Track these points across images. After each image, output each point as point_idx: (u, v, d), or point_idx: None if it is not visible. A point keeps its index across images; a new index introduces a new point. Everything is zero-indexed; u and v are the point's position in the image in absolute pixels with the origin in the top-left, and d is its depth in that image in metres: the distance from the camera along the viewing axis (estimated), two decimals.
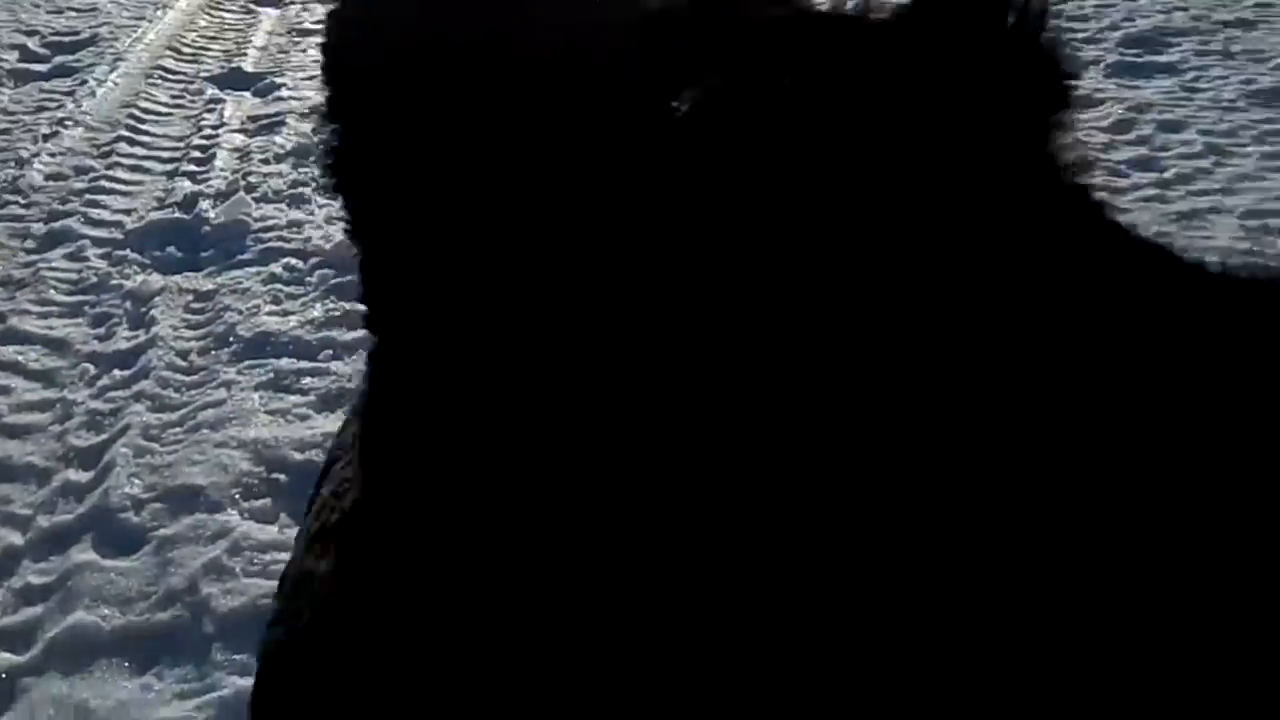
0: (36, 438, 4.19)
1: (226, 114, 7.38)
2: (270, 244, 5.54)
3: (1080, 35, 8.10)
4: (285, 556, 2.12)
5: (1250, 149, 6.21)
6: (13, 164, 6.69)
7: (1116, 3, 8.75)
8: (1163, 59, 7.63)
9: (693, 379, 0.70)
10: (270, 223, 5.76)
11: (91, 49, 8.56)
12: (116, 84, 8.07)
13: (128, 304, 5.07)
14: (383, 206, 0.88)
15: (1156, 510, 0.58)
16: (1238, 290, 0.70)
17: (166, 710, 2.96)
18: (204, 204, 6.00)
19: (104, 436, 4.14)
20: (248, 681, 2.97)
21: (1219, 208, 5.55)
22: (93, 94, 7.86)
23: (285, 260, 5.33)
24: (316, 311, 4.83)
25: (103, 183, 6.43)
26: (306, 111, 7.17)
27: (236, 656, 3.09)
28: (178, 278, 5.30)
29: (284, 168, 6.42)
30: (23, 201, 6.20)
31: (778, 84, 0.73)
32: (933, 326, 0.67)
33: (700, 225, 0.72)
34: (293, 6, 9.16)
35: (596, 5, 0.80)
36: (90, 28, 8.85)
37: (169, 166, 6.67)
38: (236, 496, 3.77)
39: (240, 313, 4.90)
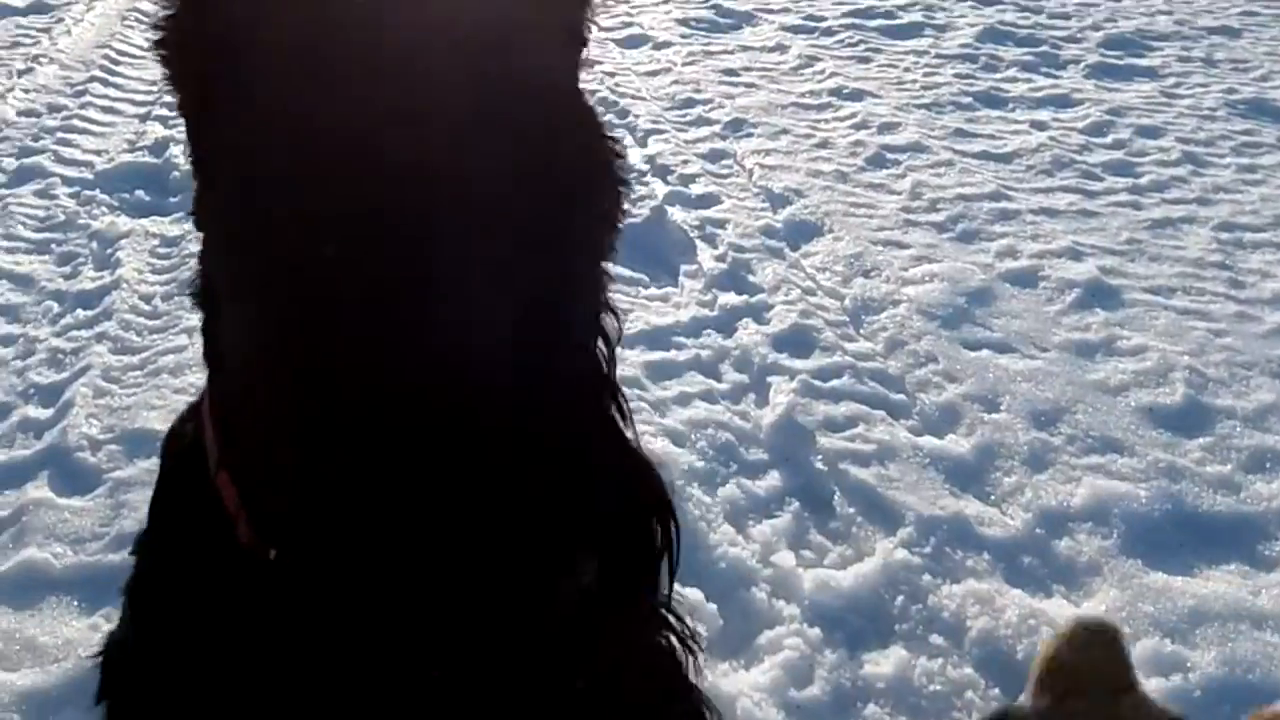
0: None
1: None
2: None
3: (1061, 34, 8.12)
4: None
5: (1228, 160, 6.23)
6: None
7: (1099, 2, 8.80)
8: (1143, 62, 7.67)
9: None
10: None
11: None
12: (93, 24, 8.04)
13: (94, 244, 5.03)
14: None
15: None
16: None
17: None
18: (174, 149, 5.95)
19: (65, 375, 4.11)
20: None
21: (1193, 218, 5.55)
22: (69, 32, 7.83)
23: None
24: None
25: (75, 122, 6.40)
26: None
27: None
28: (145, 221, 5.27)
29: None
30: None
31: None
32: None
33: None
34: None
35: None
36: None
37: (141, 110, 6.65)
38: None
39: None
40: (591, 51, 1.44)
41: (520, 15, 1.25)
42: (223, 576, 1.43)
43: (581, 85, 1.37)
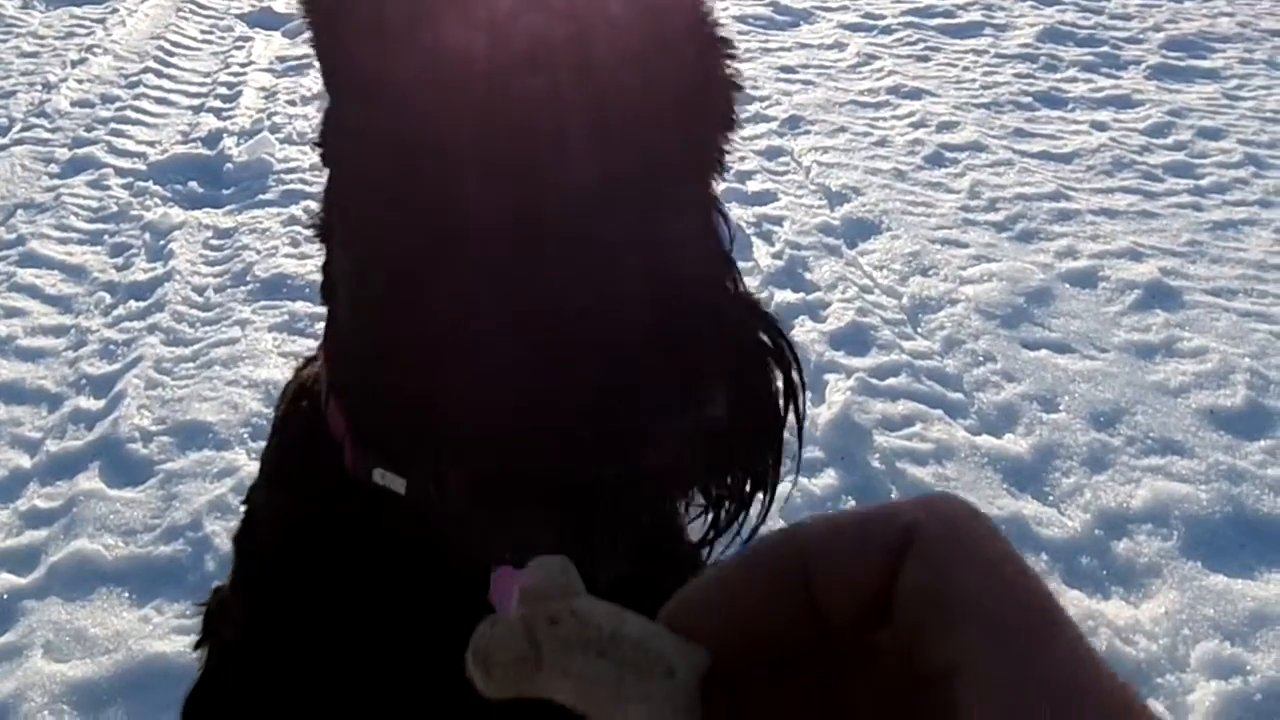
0: (49, 362, 4.16)
1: (255, 52, 7.37)
2: (292, 186, 5.51)
3: (1122, 34, 8.05)
4: None
5: None
6: (40, 87, 6.68)
7: (1161, 3, 8.71)
8: (1205, 64, 7.59)
9: None
10: (293, 164, 5.73)
11: None
12: (147, 15, 8.06)
13: (147, 235, 5.04)
14: None
15: None
16: None
17: (163, 644, 2.92)
18: (228, 141, 5.98)
19: (116, 366, 4.11)
20: None
21: (1255, 220, 5.49)
22: (123, 23, 7.85)
23: (306, 203, 5.30)
24: None
25: (128, 113, 6.41)
26: None
27: None
28: (198, 213, 5.27)
29: (310, 110, 6.39)
30: (48, 126, 6.19)
31: None
32: None
33: None
34: None
35: None
36: None
37: (195, 101, 6.66)
38: (245, 436, 3.73)
39: (258, 252, 4.86)
40: None
41: None
42: (329, 506, 1.52)
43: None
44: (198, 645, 1.84)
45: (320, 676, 1.54)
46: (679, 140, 1.27)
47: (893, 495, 3.52)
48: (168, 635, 2.95)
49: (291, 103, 6.51)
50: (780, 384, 1.24)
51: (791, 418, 1.27)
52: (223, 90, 6.76)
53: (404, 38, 1.19)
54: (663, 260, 1.15)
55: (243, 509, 1.76)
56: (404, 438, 1.34)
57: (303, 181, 5.54)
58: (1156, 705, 2.83)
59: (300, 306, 4.43)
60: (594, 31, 1.18)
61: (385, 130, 1.21)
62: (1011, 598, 0.48)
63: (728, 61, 1.41)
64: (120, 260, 4.87)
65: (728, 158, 1.46)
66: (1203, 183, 5.87)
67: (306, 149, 5.88)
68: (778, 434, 1.25)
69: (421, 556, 1.45)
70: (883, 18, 8.49)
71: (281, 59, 7.22)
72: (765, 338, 1.22)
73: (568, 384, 1.05)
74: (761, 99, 6.83)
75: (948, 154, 6.10)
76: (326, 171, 1.44)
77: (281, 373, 4.01)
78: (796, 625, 0.55)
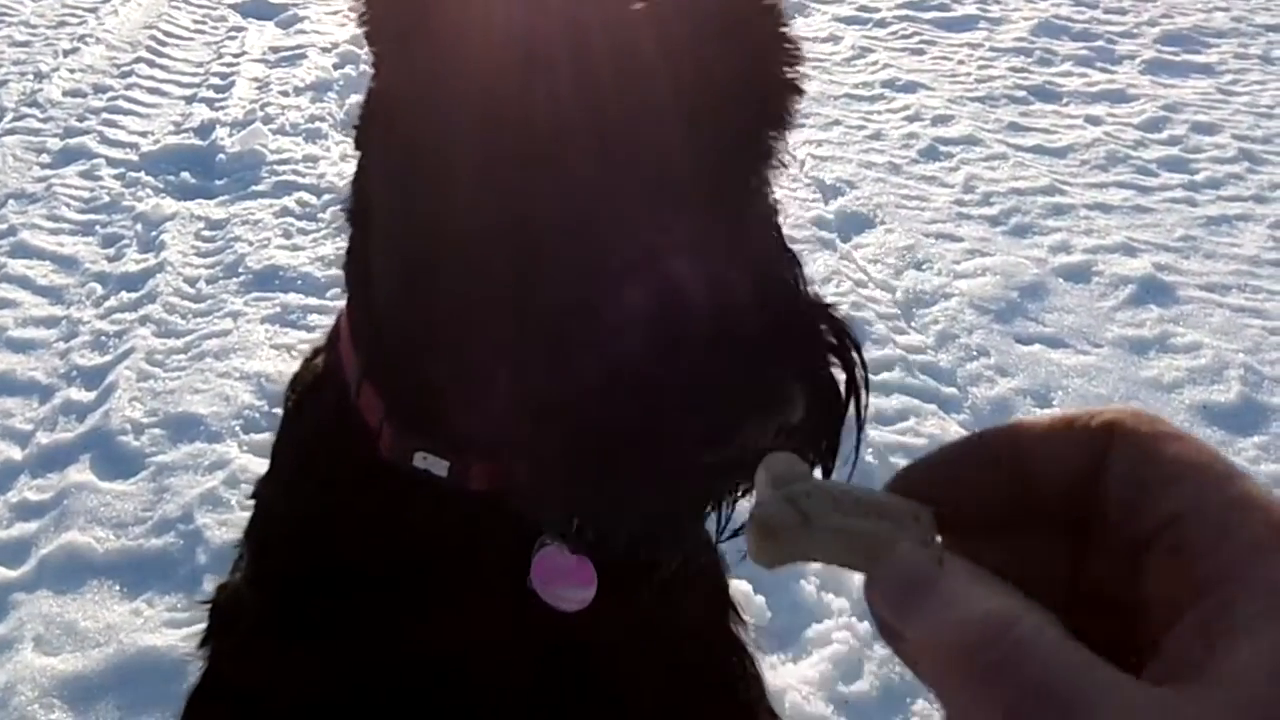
0: (40, 353, 4.14)
1: (248, 43, 7.33)
2: (284, 177, 5.48)
3: (1116, 29, 8.05)
4: None
5: None
6: (32, 77, 6.66)
7: None
8: (1200, 59, 7.59)
9: None
10: (285, 155, 5.70)
11: None
12: (140, 4, 8.03)
13: (139, 226, 5.02)
14: None
15: None
16: None
17: (154, 637, 2.91)
18: (220, 132, 5.95)
19: (108, 357, 4.09)
20: None
21: (1249, 215, 5.49)
22: (115, 12, 7.83)
23: (298, 194, 5.28)
24: (327, 249, 4.76)
25: (120, 103, 6.39)
26: (328, 46, 7.13)
27: None
28: (190, 204, 5.25)
29: (303, 101, 6.37)
30: (40, 115, 6.17)
31: None
32: None
33: None
34: None
35: None
36: None
37: (187, 91, 6.63)
38: (237, 428, 3.71)
39: (250, 244, 4.84)
40: None
41: None
42: (357, 496, 1.52)
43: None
44: (202, 643, 1.82)
45: (347, 671, 1.53)
46: (737, 135, 1.29)
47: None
48: (159, 628, 2.95)
49: (284, 93, 6.48)
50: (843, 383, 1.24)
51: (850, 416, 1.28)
52: (215, 81, 6.72)
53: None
54: (741, 253, 1.16)
55: (251, 503, 1.75)
56: (463, 418, 1.33)
57: (295, 173, 5.51)
58: None
59: (293, 298, 4.41)
60: (653, 22, 1.18)
61: (458, 98, 1.21)
62: (1207, 455, 0.59)
63: (790, 61, 1.40)
64: (112, 251, 4.86)
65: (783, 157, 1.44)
66: (1197, 178, 5.87)
67: (299, 140, 5.87)
68: (837, 432, 1.27)
69: (455, 543, 1.46)
70: (877, 11, 8.47)
71: (275, 50, 7.19)
72: (834, 339, 1.24)
73: (660, 369, 1.06)
74: None
75: (942, 148, 6.10)
76: (358, 158, 1.44)
77: (274, 365, 4.01)
78: (1010, 498, 0.66)
